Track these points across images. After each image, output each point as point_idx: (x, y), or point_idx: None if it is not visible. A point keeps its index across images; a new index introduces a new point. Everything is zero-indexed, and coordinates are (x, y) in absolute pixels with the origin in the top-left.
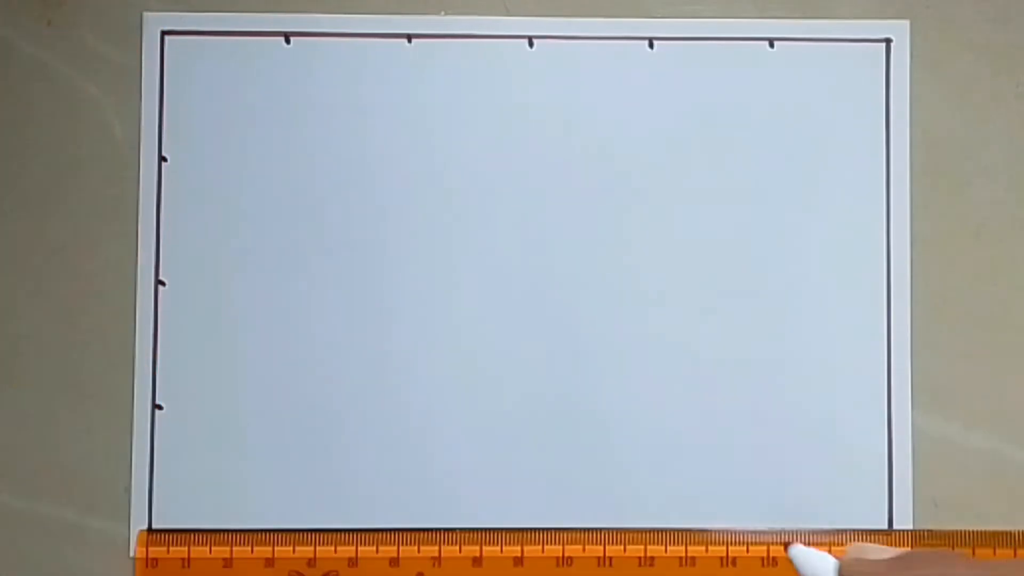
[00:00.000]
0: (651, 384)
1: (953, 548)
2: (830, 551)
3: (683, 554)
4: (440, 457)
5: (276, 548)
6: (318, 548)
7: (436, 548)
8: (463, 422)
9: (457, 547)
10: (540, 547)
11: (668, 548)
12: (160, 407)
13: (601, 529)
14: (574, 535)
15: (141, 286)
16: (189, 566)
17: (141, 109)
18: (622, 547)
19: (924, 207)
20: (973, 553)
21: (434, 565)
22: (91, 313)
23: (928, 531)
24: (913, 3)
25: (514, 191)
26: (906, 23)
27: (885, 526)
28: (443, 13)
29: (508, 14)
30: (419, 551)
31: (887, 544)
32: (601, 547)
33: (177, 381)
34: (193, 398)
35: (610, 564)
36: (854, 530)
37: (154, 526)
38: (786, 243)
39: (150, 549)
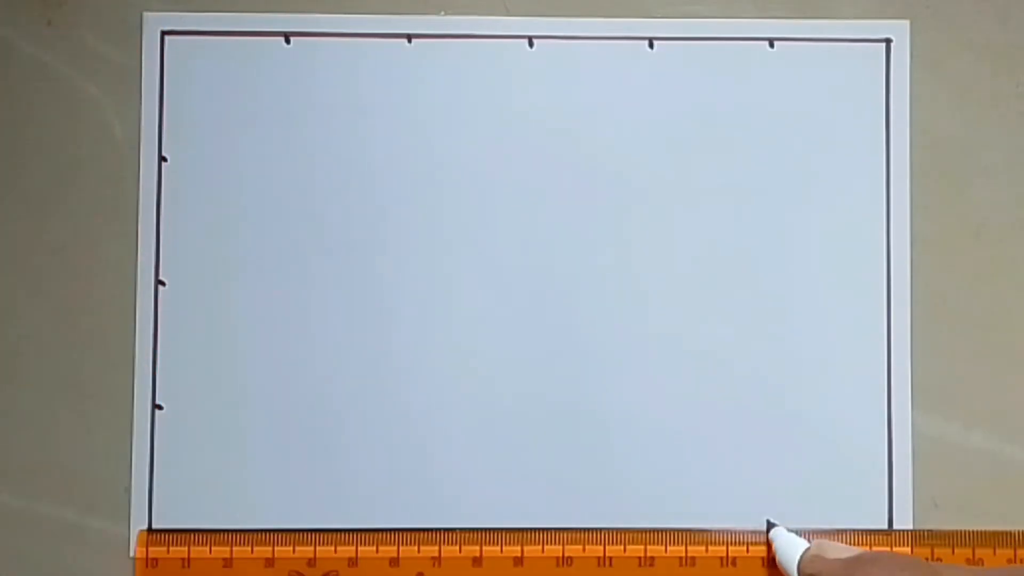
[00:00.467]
0: (651, 384)
1: (953, 549)
2: None
3: (683, 554)
4: (440, 457)
5: (276, 548)
6: (318, 548)
7: (436, 548)
8: (463, 422)
9: (457, 547)
10: (540, 547)
11: (668, 548)
12: (160, 407)
13: (601, 529)
14: (574, 535)
15: (141, 286)
16: (189, 566)
17: (141, 109)
18: (622, 547)
19: (924, 207)
20: (973, 553)
21: (434, 565)
22: (91, 313)
23: (928, 531)
24: (913, 3)
25: (514, 191)
26: (906, 23)
27: (885, 526)
28: (443, 13)
29: (508, 14)
30: (419, 551)
31: (887, 543)
32: (601, 547)
33: (177, 381)
34: (193, 398)
35: (610, 564)
36: (854, 530)
37: (154, 526)
38: (786, 243)
39: (150, 549)
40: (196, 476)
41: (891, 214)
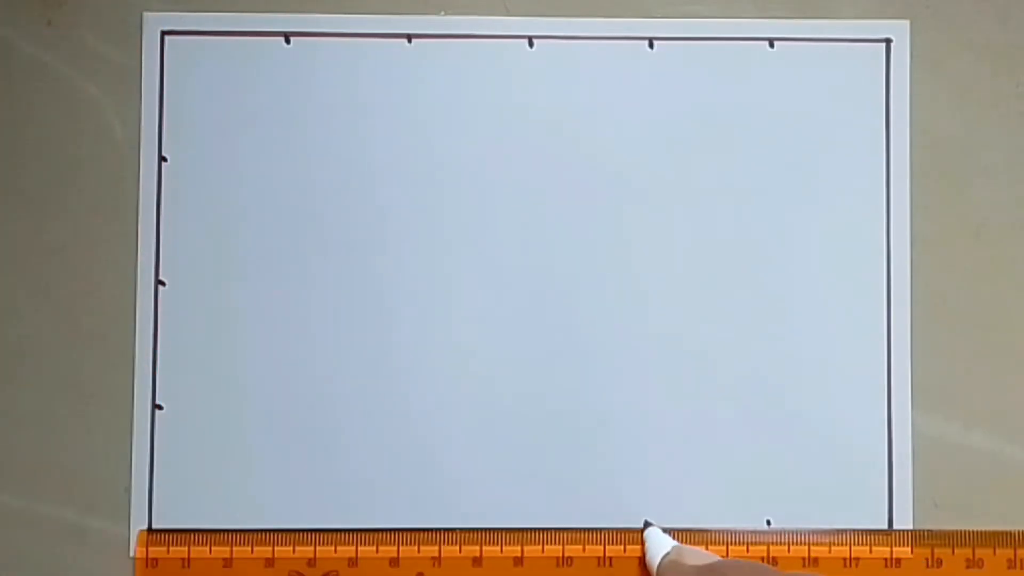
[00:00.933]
0: (651, 384)
1: (953, 549)
2: (829, 551)
3: None
4: (440, 457)
5: (276, 548)
6: (318, 548)
7: (436, 548)
8: (463, 422)
9: (457, 547)
10: (540, 547)
11: None
12: (160, 407)
13: (601, 529)
14: (574, 535)
15: (141, 286)
16: (189, 566)
17: (141, 109)
18: (622, 547)
19: (924, 207)
20: (973, 553)
21: (434, 565)
22: (91, 313)
23: (928, 531)
24: (913, 3)
25: (514, 191)
26: (906, 23)
27: (885, 526)
28: (443, 13)
29: (508, 14)
30: (419, 551)
31: (887, 543)
32: (601, 547)
33: (177, 381)
34: (193, 398)
35: (610, 564)
36: (854, 530)
37: (154, 526)
38: (785, 243)
39: (150, 549)
40: (196, 476)
41: (891, 214)
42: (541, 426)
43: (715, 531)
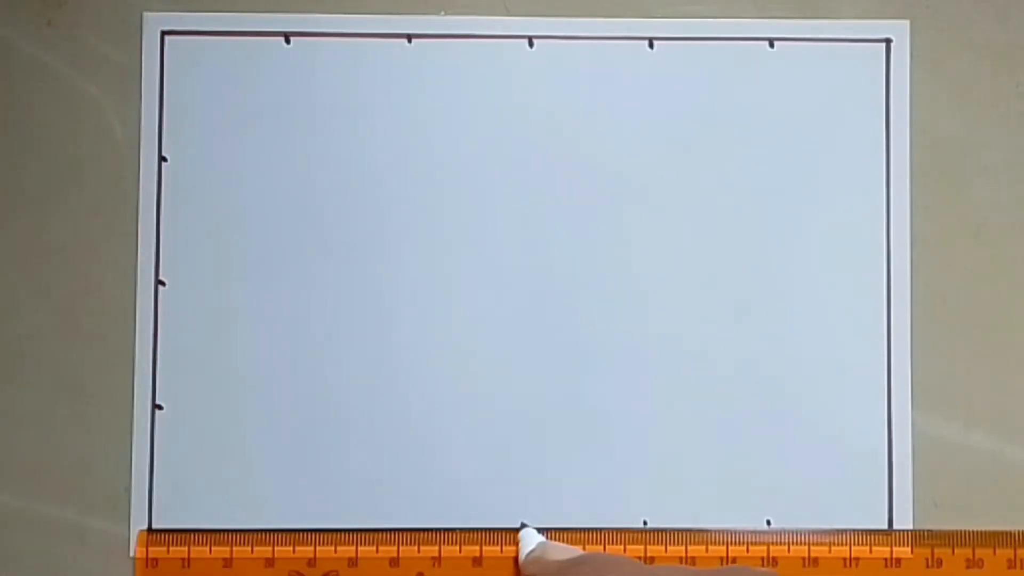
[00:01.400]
0: (650, 383)
1: (953, 549)
2: (829, 551)
3: (683, 554)
4: (440, 457)
5: (276, 548)
6: (318, 548)
7: (436, 548)
8: (463, 422)
9: (457, 547)
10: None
11: (668, 548)
12: (160, 407)
13: (600, 529)
14: (574, 535)
15: (141, 286)
16: (189, 566)
17: (141, 109)
18: (622, 547)
19: (924, 207)
20: (973, 553)
21: (434, 565)
22: (91, 313)
23: (928, 531)
24: (913, 3)
25: (514, 191)
26: (906, 23)
27: (885, 526)
28: (443, 13)
29: (508, 14)
30: (419, 551)
31: (887, 543)
32: (601, 547)
33: (177, 381)
34: (193, 398)
35: None
36: (854, 530)
37: (154, 526)
38: (785, 243)
39: (150, 549)
40: (196, 476)
41: (891, 214)
42: (541, 426)
43: (715, 531)
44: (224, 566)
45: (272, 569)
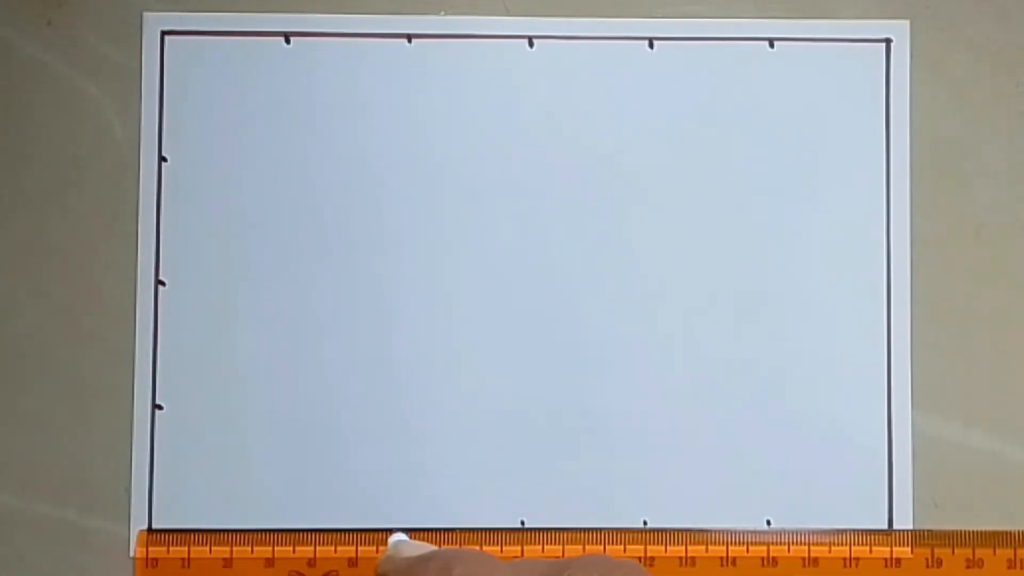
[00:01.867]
0: (650, 383)
1: (953, 549)
2: (829, 551)
3: (683, 554)
4: (440, 457)
5: (276, 548)
6: (318, 548)
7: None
8: (463, 422)
9: (457, 547)
10: (540, 547)
11: (668, 548)
12: (160, 407)
13: (601, 529)
14: (574, 535)
15: (141, 286)
16: (189, 566)
17: (141, 109)
18: (622, 547)
19: (924, 207)
20: (973, 553)
21: None
22: (91, 313)
23: (928, 531)
24: (913, 3)
25: (514, 191)
26: (906, 23)
27: (885, 526)
28: (443, 13)
29: (508, 14)
30: None
31: (887, 543)
32: (601, 547)
33: (177, 381)
34: (193, 398)
35: None
36: (854, 530)
37: (154, 526)
38: (786, 243)
39: (150, 549)
40: (196, 476)
41: (891, 214)
42: (541, 426)
43: (715, 531)
44: (224, 566)
45: (272, 569)
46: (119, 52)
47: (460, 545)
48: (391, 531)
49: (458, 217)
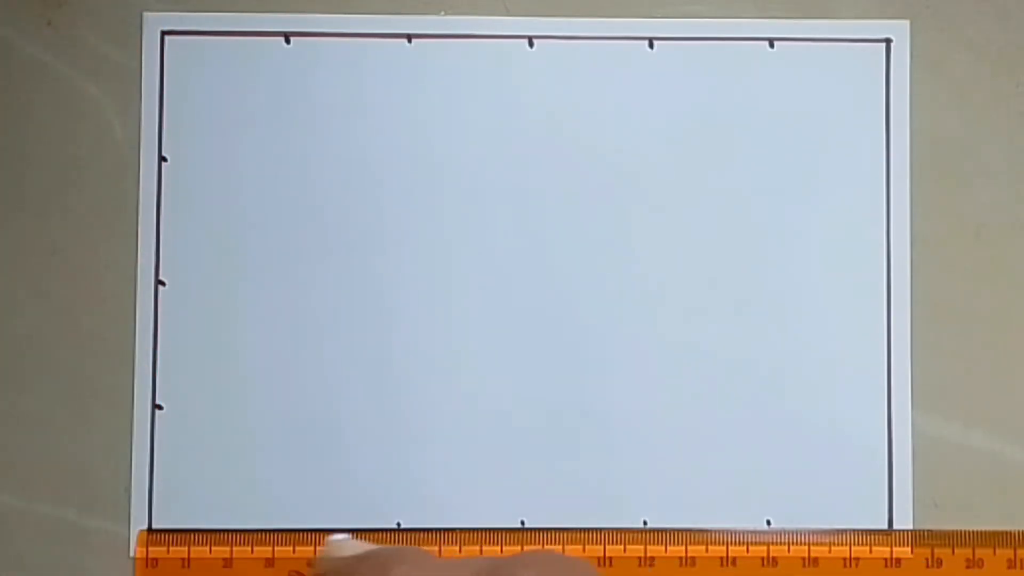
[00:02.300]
0: (650, 383)
1: (953, 549)
2: (829, 551)
3: (683, 554)
4: (440, 457)
5: (276, 548)
6: (318, 548)
7: (436, 548)
8: (463, 422)
9: (457, 547)
10: (540, 547)
11: (668, 548)
12: (160, 407)
13: (601, 529)
14: (574, 535)
15: (141, 286)
16: (189, 566)
17: (141, 109)
18: (622, 547)
19: (924, 207)
20: (973, 553)
21: None
22: (91, 313)
23: (928, 531)
24: (913, 3)
25: (514, 191)
26: (906, 23)
27: (885, 526)
28: (443, 13)
29: (508, 14)
30: None
31: (887, 543)
32: (601, 547)
33: (177, 381)
34: (193, 398)
35: (610, 564)
36: (854, 530)
37: (154, 526)
38: (786, 243)
39: (150, 549)
40: (196, 476)
41: (891, 214)
42: (541, 426)
43: (715, 531)
44: (224, 566)
45: (272, 569)
46: (119, 52)
47: (460, 545)
48: (391, 531)
49: (458, 217)
